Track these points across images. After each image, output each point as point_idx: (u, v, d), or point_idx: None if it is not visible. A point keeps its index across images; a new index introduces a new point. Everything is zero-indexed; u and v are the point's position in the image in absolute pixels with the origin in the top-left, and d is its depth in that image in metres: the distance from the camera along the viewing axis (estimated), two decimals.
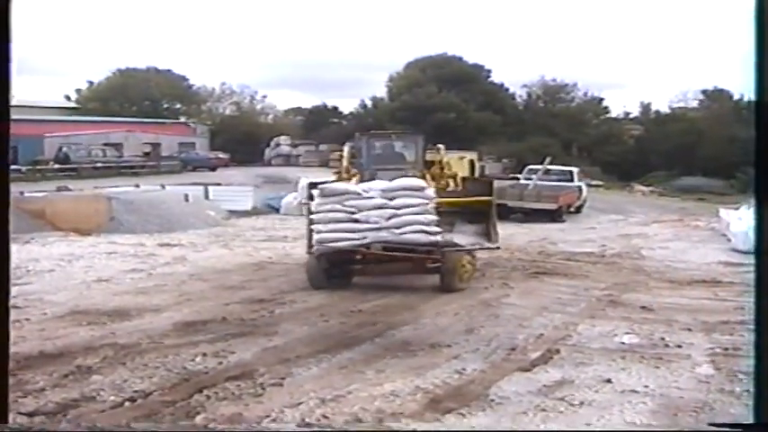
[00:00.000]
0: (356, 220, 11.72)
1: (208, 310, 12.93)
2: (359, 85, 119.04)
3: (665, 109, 72.50)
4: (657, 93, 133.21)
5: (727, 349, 11.07)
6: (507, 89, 74.96)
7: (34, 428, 7.23)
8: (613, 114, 75.51)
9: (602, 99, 75.18)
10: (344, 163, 16.10)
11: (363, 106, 76.87)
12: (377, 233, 11.79)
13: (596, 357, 10.40)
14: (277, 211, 33.24)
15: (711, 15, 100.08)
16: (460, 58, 72.58)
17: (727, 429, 6.50)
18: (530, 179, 32.18)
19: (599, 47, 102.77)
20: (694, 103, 72.46)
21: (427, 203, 12.18)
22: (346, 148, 16.96)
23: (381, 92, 75.75)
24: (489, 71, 73.82)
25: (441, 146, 17.96)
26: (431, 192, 12.50)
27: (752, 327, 3.72)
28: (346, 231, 11.81)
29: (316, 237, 11.72)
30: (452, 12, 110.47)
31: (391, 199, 12.08)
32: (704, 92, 71.49)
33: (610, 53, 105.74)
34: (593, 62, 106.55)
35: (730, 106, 67.47)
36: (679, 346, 11.14)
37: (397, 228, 11.90)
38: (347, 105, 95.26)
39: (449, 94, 66.55)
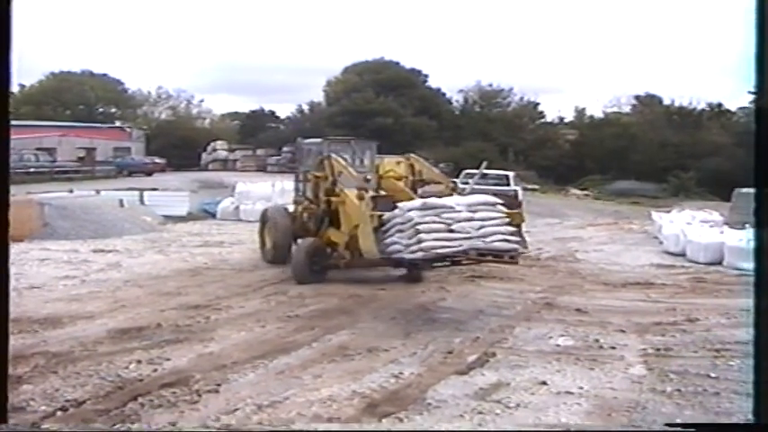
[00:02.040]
0: (452, 230, 12.93)
1: (143, 317, 12.78)
2: (296, 89, 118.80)
3: (599, 114, 73.51)
4: (592, 97, 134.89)
5: (659, 350, 11.27)
6: (444, 94, 75.30)
7: (34, 428, 7.23)
8: (549, 119, 76.37)
9: (537, 104, 75.97)
10: (353, 172, 16.84)
11: (301, 111, 76.73)
12: (471, 242, 13.01)
13: (532, 360, 10.52)
14: (213, 216, 32.94)
15: (644, 22, 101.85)
16: (397, 63, 72.82)
17: (727, 429, 6.60)
18: (466, 183, 32.19)
19: (535, 52, 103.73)
20: (627, 108, 73.57)
21: (504, 216, 13.66)
22: (340, 159, 17.57)
23: (319, 96, 75.71)
24: (426, 76, 74.17)
25: (412, 155, 18.61)
26: (501, 207, 13.85)
27: (749, 326, 3.76)
28: (446, 240, 12.93)
29: (421, 244, 12.76)
30: (389, 16, 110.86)
31: (474, 212, 13.38)
32: (637, 97, 72.60)
33: (545, 58, 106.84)
34: (529, 67, 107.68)
35: (661, 111, 68.71)
36: (613, 348, 11.31)
37: (485, 237, 13.17)
38: (285, 110, 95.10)
39: (387, 99, 66.66)
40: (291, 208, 20.29)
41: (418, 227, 12.83)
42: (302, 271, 16.77)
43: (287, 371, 9.69)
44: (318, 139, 21.02)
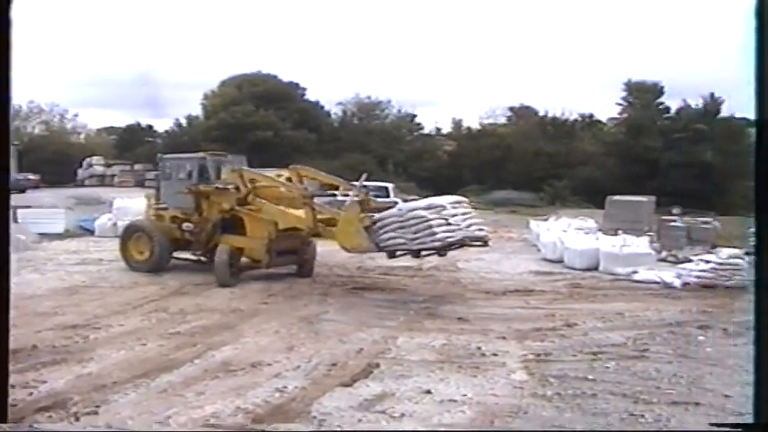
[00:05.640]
0: (450, 224, 15.87)
1: (16, 339, 12.30)
2: (173, 103, 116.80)
3: (476, 125, 74.31)
4: (468, 109, 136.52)
5: (539, 355, 11.52)
6: (323, 107, 75.13)
7: (34, 428, 7.26)
8: (427, 131, 76.92)
9: (414, 116, 76.36)
10: (288, 185, 19.21)
11: (178, 125, 75.48)
12: (462, 232, 16.04)
13: (416, 369, 10.61)
14: (92, 233, 32.15)
15: (515, 35, 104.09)
16: (275, 76, 72.30)
17: (728, 429, 6.74)
18: (347, 196, 32.17)
19: (410, 65, 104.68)
20: (503, 119, 74.64)
21: (473, 211, 17.52)
22: (267, 173, 20.20)
23: (197, 110, 74.60)
24: (304, 89, 73.83)
25: (299, 165, 20.31)
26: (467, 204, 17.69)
27: (751, 329, 3.83)
28: (449, 231, 15.82)
29: (436, 236, 15.64)
30: (264, 30, 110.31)
31: (456, 209, 16.50)
32: (511, 108, 73.80)
33: (420, 71, 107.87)
34: (405, 80, 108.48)
35: (536, 122, 70.05)
36: (495, 355, 11.52)
37: (470, 228, 16.36)
38: (162, 124, 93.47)
39: (266, 113, 66.15)
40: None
41: (431, 222, 15.71)
42: (224, 275, 18.36)
43: (169, 389, 9.54)
44: (186, 155, 22.05)
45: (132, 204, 32.40)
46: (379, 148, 67.15)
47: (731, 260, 19.02)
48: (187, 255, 20.41)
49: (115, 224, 31.27)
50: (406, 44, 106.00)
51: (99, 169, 67.30)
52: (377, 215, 16.72)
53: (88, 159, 68.25)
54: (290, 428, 8.18)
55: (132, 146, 72.85)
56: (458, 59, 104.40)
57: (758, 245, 3.60)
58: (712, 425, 8.19)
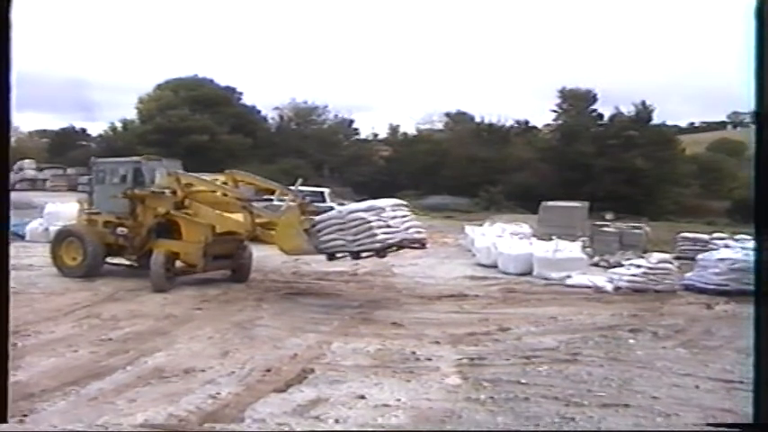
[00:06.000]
0: (389, 226, 16.27)
1: None
2: (108, 106, 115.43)
3: (412, 131, 74.60)
4: (404, 115, 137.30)
5: (473, 359, 11.59)
6: (259, 111, 74.99)
7: (34, 428, 7.30)
8: (363, 136, 77.18)
9: (352, 121, 76.56)
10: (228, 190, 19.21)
11: (113, 128, 74.50)
12: (401, 234, 16.46)
13: (350, 374, 10.60)
14: (22, 238, 31.51)
15: (453, 42, 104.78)
16: (211, 81, 71.87)
17: (725, 429, 6.78)
18: (282, 200, 31.95)
19: (347, 70, 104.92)
20: (439, 125, 75.04)
21: (412, 214, 17.71)
22: (202, 176, 20.46)
23: (132, 114, 73.74)
24: (241, 93, 73.59)
25: (235, 170, 20.43)
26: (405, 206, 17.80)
27: (752, 329, 3.83)
28: (389, 233, 16.24)
29: (376, 237, 16.06)
30: (200, 34, 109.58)
31: (395, 211, 16.84)
32: (448, 114, 74.25)
33: (357, 76, 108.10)
34: (342, 85, 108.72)
35: (471, 128, 70.60)
36: (429, 359, 11.56)
37: (408, 230, 16.75)
38: (96, 128, 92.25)
39: (202, 117, 65.69)
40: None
41: (371, 224, 16.07)
42: (160, 279, 18.11)
43: (100, 396, 9.39)
44: (121, 159, 21.96)
45: (64, 209, 31.79)
46: (315, 152, 67.17)
47: (661, 264, 19.36)
48: (120, 260, 20.15)
49: (47, 229, 30.67)
50: (343, 49, 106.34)
51: (30, 173, 66.05)
52: (317, 218, 17.07)
53: (19, 163, 66.91)
54: (231, 428, 8.13)
55: (65, 149, 71.72)
56: (395, 65, 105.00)
57: (758, 244, 3.65)
58: (709, 425, 8.31)
